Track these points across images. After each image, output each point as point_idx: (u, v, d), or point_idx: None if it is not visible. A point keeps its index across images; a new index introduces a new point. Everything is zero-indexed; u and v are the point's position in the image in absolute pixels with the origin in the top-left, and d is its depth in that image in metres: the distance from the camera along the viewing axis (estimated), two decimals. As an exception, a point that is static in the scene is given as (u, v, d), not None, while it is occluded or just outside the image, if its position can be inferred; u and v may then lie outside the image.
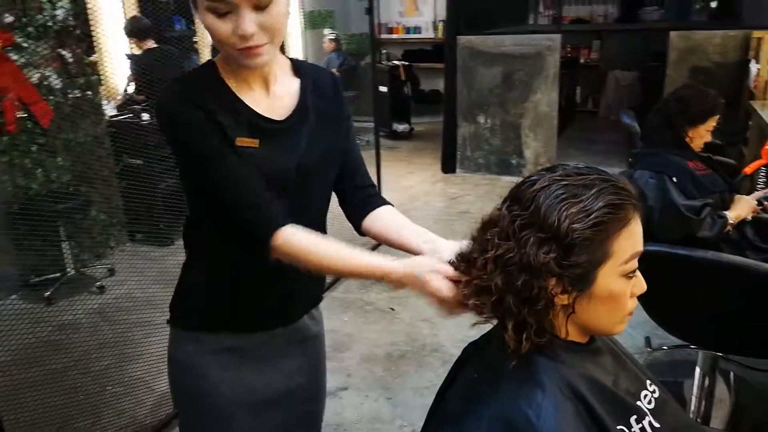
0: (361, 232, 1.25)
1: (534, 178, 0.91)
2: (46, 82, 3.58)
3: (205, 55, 5.64)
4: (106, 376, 2.86)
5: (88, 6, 3.69)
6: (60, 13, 3.56)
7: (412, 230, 1.15)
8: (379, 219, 1.21)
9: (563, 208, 0.84)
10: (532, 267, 0.84)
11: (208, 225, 1.15)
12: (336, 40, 7.36)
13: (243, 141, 1.03)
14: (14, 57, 3.36)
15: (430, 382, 2.77)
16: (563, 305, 0.89)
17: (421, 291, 0.95)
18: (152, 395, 2.73)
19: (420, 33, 9.27)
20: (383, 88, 7.12)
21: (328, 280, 3.60)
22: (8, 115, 3.31)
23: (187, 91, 1.03)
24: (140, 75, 4.30)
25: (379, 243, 1.23)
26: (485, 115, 5.81)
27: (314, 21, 7.98)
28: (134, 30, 4.41)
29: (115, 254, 4.08)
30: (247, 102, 1.05)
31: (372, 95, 4.87)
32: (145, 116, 4.07)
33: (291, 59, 1.15)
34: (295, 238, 1.02)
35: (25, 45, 3.41)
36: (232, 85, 1.06)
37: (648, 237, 0.92)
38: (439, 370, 2.86)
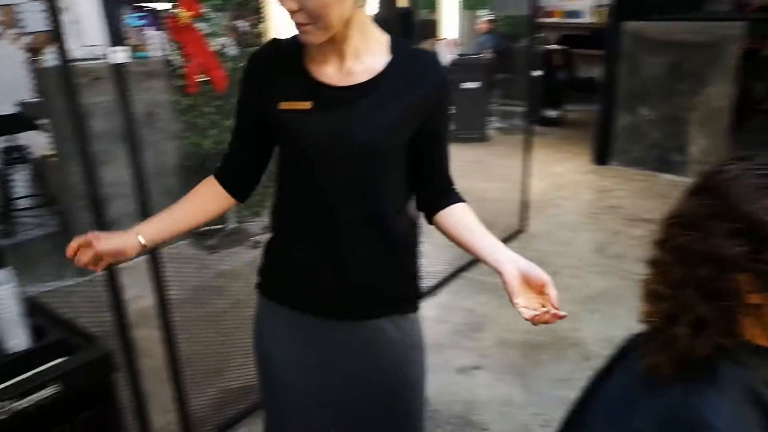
0: (432, 223, 1.23)
1: (726, 167, 0.84)
2: (223, 51, 3.89)
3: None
4: (256, 324, 3.08)
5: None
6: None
7: (480, 235, 1.13)
8: (451, 216, 1.19)
9: (760, 199, 0.77)
10: (719, 259, 0.78)
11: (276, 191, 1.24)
12: (492, 21, 7.24)
13: (289, 104, 1.07)
14: (200, 26, 3.68)
15: (569, 376, 2.69)
16: (754, 305, 0.82)
17: None
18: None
19: (579, 18, 8.86)
20: (537, 73, 6.92)
21: (461, 261, 3.62)
22: (191, 79, 3.65)
23: (263, 52, 1.16)
24: None
25: None
26: (647, 106, 5.45)
27: (471, 1, 7.91)
28: None
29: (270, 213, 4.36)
30: (314, 72, 1.09)
31: (526, 80, 4.75)
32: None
33: (392, 37, 1.13)
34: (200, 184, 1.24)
35: (209, 16, 3.71)
36: (309, 54, 1.10)
37: None
38: (579, 366, 2.77)
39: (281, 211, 1.21)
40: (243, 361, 2.77)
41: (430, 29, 7.20)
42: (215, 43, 3.85)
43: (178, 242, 3.95)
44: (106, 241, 1.09)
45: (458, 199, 1.22)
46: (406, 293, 1.25)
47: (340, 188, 1.10)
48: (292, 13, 0.99)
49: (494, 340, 3.01)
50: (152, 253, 2.04)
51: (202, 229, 3.98)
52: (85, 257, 1.08)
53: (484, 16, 7.31)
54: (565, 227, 4.43)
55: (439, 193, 1.21)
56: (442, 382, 2.68)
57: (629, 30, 5.41)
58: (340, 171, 1.09)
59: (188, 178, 3.88)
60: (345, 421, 1.24)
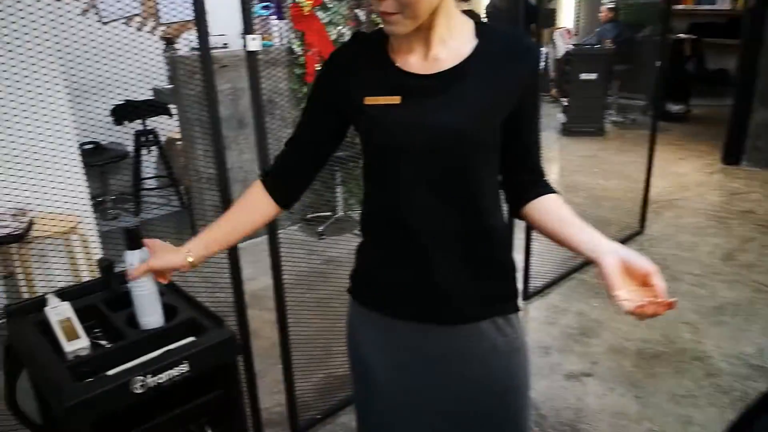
0: (519, 216, 1.15)
1: None
2: (341, 40, 3.93)
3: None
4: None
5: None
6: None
7: (577, 228, 1.03)
8: (542, 207, 1.10)
9: None
10: None
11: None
12: (614, 9, 6.86)
13: (375, 99, 1.04)
14: (320, 15, 3.74)
15: (689, 392, 2.51)
16: None
17: None
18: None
19: (714, 4, 8.19)
20: (659, 64, 6.48)
21: (573, 262, 3.46)
22: (309, 67, 3.73)
23: (346, 47, 1.14)
24: None
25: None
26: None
27: (593, -12, 7.53)
28: None
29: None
30: (399, 63, 1.06)
31: (650, 71, 4.46)
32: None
33: (478, 22, 1.08)
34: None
35: (330, 5, 3.76)
36: (392, 46, 1.07)
37: None
38: (702, 382, 2.57)
39: (370, 213, 1.17)
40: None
41: (548, 18, 6.94)
42: (334, 32, 3.91)
43: (289, 226, 4.08)
44: (159, 259, 1.17)
45: (550, 189, 1.13)
46: (505, 292, 1.17)
47: (433, 183, 1.04)
48: (380, 1, 0.96)
49: (606, 347, 2.86)
50: (271, 234, 2.10)
51: (312, 215, 4.08)
52: (137, 272, 1.19)
53: (606, 3, 6.93)
54: (689, 231, 4.13)
55: (529, 183, 1.13)
56: (550, 387, 2.58)
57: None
58: (433, 164, 1.03)
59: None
60: (446, 429, 1.19)
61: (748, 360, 2.64)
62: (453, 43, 1.04)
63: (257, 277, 2.95)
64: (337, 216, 4.09)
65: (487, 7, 5.35)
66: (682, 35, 7.26)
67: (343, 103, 1.09)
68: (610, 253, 0.93)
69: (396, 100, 1.02)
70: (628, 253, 0.92)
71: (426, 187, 1.04)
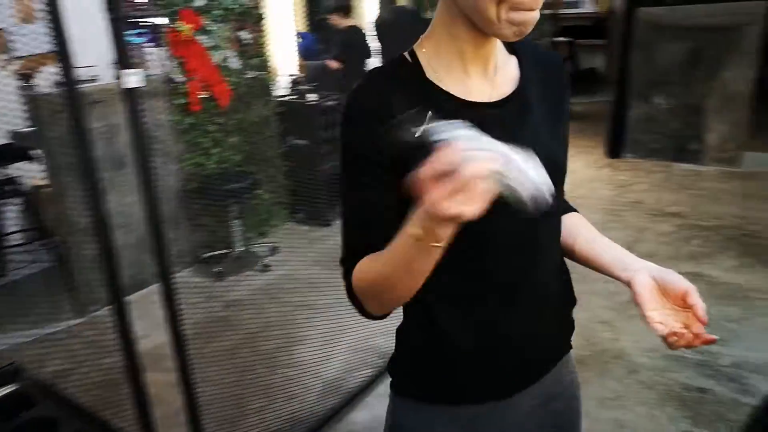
0: None
1: None
2: (225, 64, 3.68)
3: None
4: (275, 357, 2.88)
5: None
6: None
7: (603, 246, 0.96)
8: (566, 226, 1.01)
9: None
10: None
11: None
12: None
13: None
14: (202, 40, 3.47)
15: (616, 394, 2.48)
16: None
17: None
18: (319, 382, 2.70)
19: (579, 7, 8.65)
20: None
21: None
22: (193, 96, 3.44)
23: (372, 87, 0.86)
24: (343, 50, 4.53)
25: None
26: (663, 94, 5.24)
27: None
28: (340, 5, 4.55)
29: (278, 233, 4.16)
30: (456, 93, 0.85)
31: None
32: (311, 96, 4.08)
33: None
34: (360, 264, 0.86)
35: (211, 28, 3.50)
36: (438, 75, 0.86)
37: None
38: (626, 381, 2.56)
39: (434, 283, 0.82)
40: (264, 403, 2.56)
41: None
42: (218, 57, 3.64)
43: (180, 271, 3.74)
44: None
45: (570, 207, 1.05)
46: (571, 320, 1.06)
47: (531, 225, 0.85)
48: None
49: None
50: (164, 281, 1.83)
51: (207, 254, 3.77)
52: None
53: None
54: (589, 228, 4.21)
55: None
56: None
57: (644, 16, 5.19)
58: (517, 223, 0.82)
59: (190, 203, 3.67)
60: None
61: (664, 351, 2.67)
62: (501, 60, 0.90)
63: (150, 334, 2.63)
64: (235, 253, 3.80)
65: (376, 21, 5.23)
66: (559, 38, 7.57)
67: (394, 153, 0.82)
68: (642, 270, 0.86)
69: None
70: (661, 271, 0.85)
71: (520, 234, 0.87)
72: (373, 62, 4.73)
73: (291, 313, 3.23)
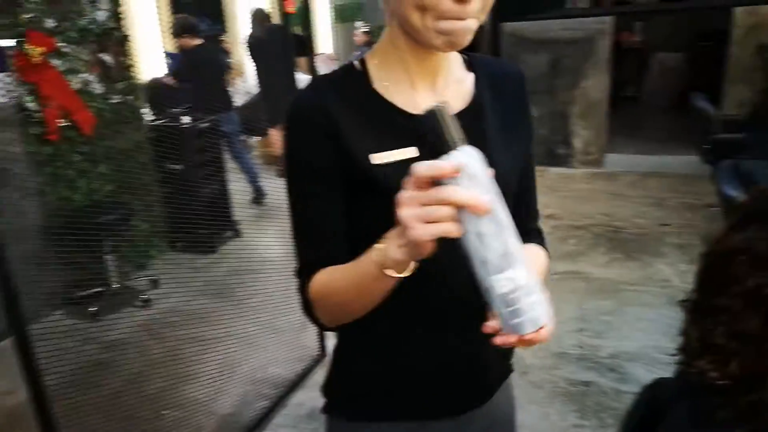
0: None
1: None
2: (87, 89, 3.43)
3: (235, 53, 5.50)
4: (160, 399, 2.70)
5: (122, 7, 3.54)
6: (101, 15, 3.40)
7: None
8: None
9: None
10: None
11: None
12: (368, 32, 7.13)
13: (383, 156, 0.79)
14: (56, 63, 3.20)
15: (510, 398, 2.55)
16: None
17: (401, 239, 0.65)
18: (212, 419, 2.56)
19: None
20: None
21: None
22: (50, 125, 3.17)
23: (316, 95, 0.83)
24: (192, 69, 4.51)
25: None
26: (532, 103, 5.53)
27: (344, 14, 7.77)
28: (186, 27, 4.53)
29: (158, 264, 3.93)
30: (402, 105, 0.82)
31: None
32: (185, 119, 3.91)
33: (463, 53, 0.90)
34: (317, 278, 0.84)
35: (66, 50, 3.25)
36: (384, 87, 0.83)
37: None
38: (519, 382, 2.63)
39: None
40: (151, 449, 2.39)
41: (305, 46, 6.95)
42: (76, 81, 3.38)
43: (48, 315, 3.42)
44: None
45: (538, 239, 0.98)
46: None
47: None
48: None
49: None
50: (18, 330, 1.64)
51: (79, 294, 3.48)
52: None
53: (360, 28, 7.18)
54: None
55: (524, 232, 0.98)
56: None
57: (509, 30, 5.48)
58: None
59: (55, 240, 3.36)
60: None
61: (549, 349, 2.79)
62: (455, 74, 0.87)
63: (15, 390, 2.37)
64: (112, 290, 3.53)
65: (249, 39, 5.13)
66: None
67: (347, 168, 0.81)
68: None
69: (412, 152, 0.79)
70: None
71: (452, 255, 0.80)
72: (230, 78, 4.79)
73: (178, 348, 3.04)
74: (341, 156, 0.80)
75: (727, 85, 5.10)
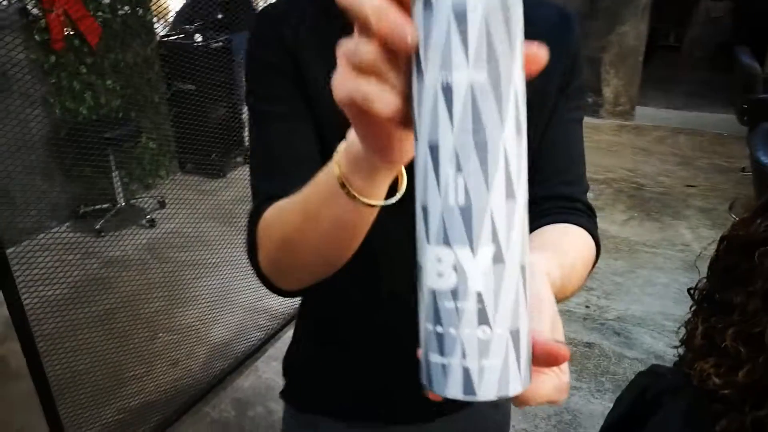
0: None
1: None
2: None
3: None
4: (156, 321, 2.69)
5: None
6: None
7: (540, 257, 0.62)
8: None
9: None
10: None
11: None
12: None
13: None
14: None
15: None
16: None
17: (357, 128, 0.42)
18: (205, 346, 2.55)
19: None
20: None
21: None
22: (54, 31, 3.03)
23: (279, 15, 0.72)
24: None
25: None
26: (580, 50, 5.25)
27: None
28: None
29: (165, 185, 3.87)
30: None
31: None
32: (198, 37, 3.74)
33: None
34: (268, 212, 0.63)
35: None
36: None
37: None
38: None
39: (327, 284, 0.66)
40: (143, 370, 2.38)
41: None
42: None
43: (57, 226, 3.40)
44: None
45: (571, 219, 0.78)
46: None
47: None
48: None
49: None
50: None
51: (86, 209, 3.44)
52: None
53: None
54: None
55: (550, 211, 0.79)
56: None
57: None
58: None
59: (61, 152, 3.30)
60: None
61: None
62: None
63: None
64: (117, 207, 3.49)
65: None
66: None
67: (304, 85, 0.69)
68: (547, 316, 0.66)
69: None
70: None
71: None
72: None
73: (178, 271, 3.01)
74: (303, 70, 0.69)
75: (776, 41, 4.78)
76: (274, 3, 0.75)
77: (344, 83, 0.36)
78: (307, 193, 0.53)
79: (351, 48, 0.35)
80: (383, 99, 0.34)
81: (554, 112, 0.74)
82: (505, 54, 0.32)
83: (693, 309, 0.73)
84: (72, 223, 3.48)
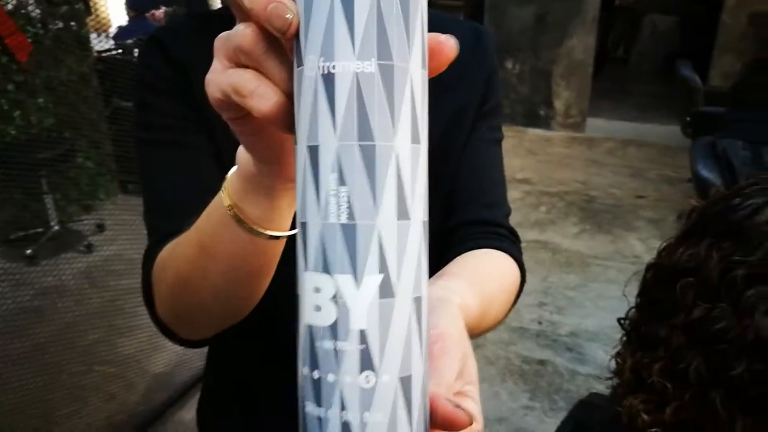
0: None
1: (753, 201, 0.56)
2: (23, 11, 3.11)
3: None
4: (93, 353, 2.54)
5: None
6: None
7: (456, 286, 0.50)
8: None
9: None
10: None
11: None
12: None
13: None
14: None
15: (461, 373, 2.44)
16: None
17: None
18: (144, 378, 2.41)
19: None
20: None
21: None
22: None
23: (176, 31, 0.67)
24: None
25: None
26: (513, 59, 5.30)
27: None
28: None
29: (105, 207, 3.70)
30: None
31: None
32: (137, 52, 3.61)
33: None
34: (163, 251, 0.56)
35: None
36: None
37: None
38: (470, 359, 2.53)
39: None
40: (76, 407, 2.24)
41: None
42: (9, 2, 3.06)
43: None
44: None
45: (490, 243, 0.71)
46: None
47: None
48: None
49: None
50: None
51: (16, 235, 3.26)
52: None
53: None
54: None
55: (468, 237, 0.75)
56: None
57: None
58: None
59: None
60: None
61: (508, 323, 2.67)
62: None
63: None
64: (52, 231, 3.31)
65: None
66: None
67: (199, 108, 0.61)
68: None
69: None
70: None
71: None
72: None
73: (119, 299, 2.86)
74: (198, 113, 0.61)
75: (717, 54, 4.90)
76: (163, 27, 0.71)
77: (216, 78, 0.31)
78: (201, 224, 0.47)
79: (226, 36, 0.30)
80: (260, 93, 0.29)
81: (472, 131, 0.69)
82: (400, 42, 0.26)
83: (623, 340, 0.69)
84: (2, 251, 3.29)
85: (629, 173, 4.47)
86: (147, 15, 4.18)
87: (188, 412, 2.27)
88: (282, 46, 0.29)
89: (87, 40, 3.50)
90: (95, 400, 2.29)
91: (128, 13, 4.26)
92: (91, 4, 3.73)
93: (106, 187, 3.74)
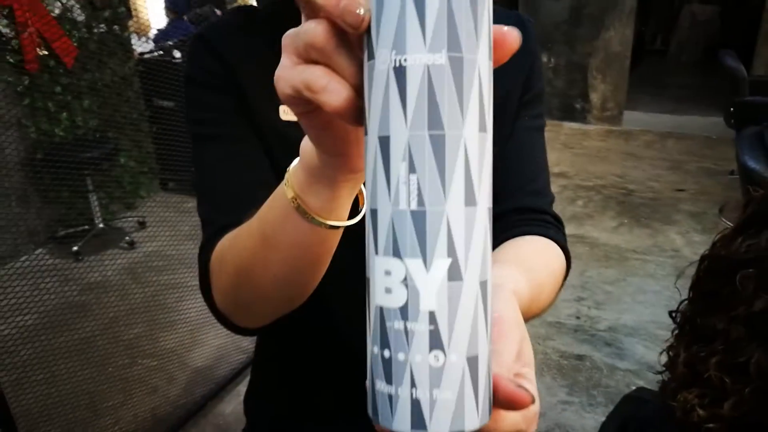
0: None
1: None
2: (68, 15, 3.21)
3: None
4: (136, 347, 2.61)
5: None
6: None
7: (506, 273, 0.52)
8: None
9: None
10: None
11: None
12: None
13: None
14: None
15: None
16: None
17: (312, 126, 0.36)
18: (185, 371, 2.47)
19: None
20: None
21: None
22: (28, 53, 2.97)
23: (227, 29, 0.68)
24: None
25: None
26: (548, 53, 5.24)
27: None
28: None
29: (146, 205, 3.80)
30: None
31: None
32: (177, 54, 3.69)
33: None
34: (221, 243, 0.57)
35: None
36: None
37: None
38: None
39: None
40: (121, 399, 2.30)
41: None
42: (56, 6, 3.16)
43: (34, 251, 3.32)
44: None
45: (535, 231, 0.73)
46: None
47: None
48: None
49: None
50: None
51: (64, 232, 3.37)
52: None
53: None
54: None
55: (514, 225, 0.78)
56: None
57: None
58: None
59: (38, 174, 3.23)
60: None
61: (544, 318, 2.65)
62: None
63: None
64: (96, 229, 3.41)
65: None
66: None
67: (248, 118, 0.65)
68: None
69: None
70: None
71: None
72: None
73: (160, 294, 2.94)
74: (246, 108, 0.64)
75: (760, 43, 4.76)
76: (209, 25, 0.70)
77: (287, 74, 0.31)
78: (263, 215, 0.48)
79: (295, 32, 0.31)
80: (332, 89, 0.30)
81: (515, 119, 0.69)
82: (469, 35, 0.27)
83: (675, 333, 0.67)
84: (50, 248, 3.40)
85: (668, 166, 4.38)
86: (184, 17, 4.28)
87: (228, 405, 2.32)
88: (350, 42, 0.29)
89: (129, 43, 3.59)
90: (139, 393, 2.35)
91: (167, 15, 4.35)
92: (132, 7, 3.82)
93: (147, 185, 3.84)
